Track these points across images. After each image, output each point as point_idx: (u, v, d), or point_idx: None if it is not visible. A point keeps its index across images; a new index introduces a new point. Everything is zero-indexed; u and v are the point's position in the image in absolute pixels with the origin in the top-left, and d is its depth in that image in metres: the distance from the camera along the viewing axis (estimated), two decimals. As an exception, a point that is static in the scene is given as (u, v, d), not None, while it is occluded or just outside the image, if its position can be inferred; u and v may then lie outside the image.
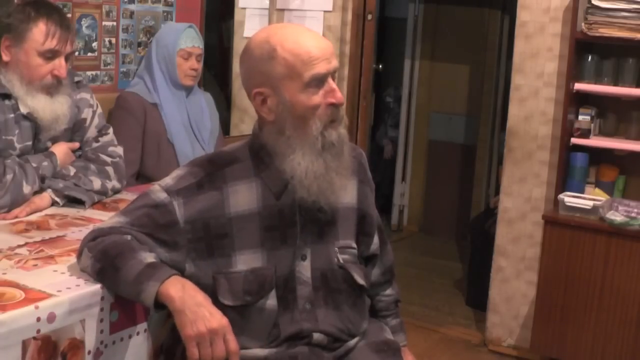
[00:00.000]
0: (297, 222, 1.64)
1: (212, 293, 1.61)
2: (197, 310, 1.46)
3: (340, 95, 1.61)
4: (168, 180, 1.67)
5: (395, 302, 1.97)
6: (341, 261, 1.69)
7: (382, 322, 1.90)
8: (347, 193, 1.72)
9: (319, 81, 1.58)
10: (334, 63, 1.62)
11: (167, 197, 1.62)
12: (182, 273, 1.60)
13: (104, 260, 1.58)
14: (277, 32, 1.62)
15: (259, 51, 1.60)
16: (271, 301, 1.61)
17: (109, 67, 3.17)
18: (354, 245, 1.74)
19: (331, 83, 1.61)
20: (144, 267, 1.52)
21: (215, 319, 1.47)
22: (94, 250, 1.61)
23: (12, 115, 2.21)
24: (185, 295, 1.48)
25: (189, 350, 1.45)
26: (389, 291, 1.95)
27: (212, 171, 1.65)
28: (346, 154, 1.64)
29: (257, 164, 1.65)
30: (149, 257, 1.56)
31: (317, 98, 1.59)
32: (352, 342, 1.72)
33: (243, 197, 1.62)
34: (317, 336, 1.65)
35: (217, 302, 1.62)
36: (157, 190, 1.65)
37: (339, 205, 1.69)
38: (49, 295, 1.54)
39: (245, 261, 1.61)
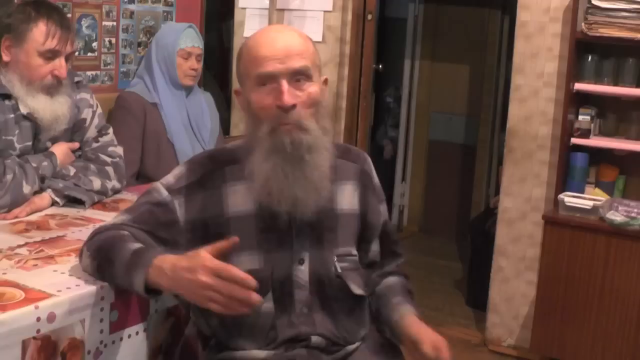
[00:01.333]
0: (292, 225, 1.63)
1: None
2: (184, 281, 1.42)
3: (286, 98, 1.53)
4: (169, 178, 1.67)
5: (403, 286, 1.83)
6: (339, 270, 1.66)
7: (386, 304, 1.80)
8: (347, 199, 1.70)
9: (266, 81, 1.55)
10: (291, 64, 1.55)
11: (169, 196, 1.63)
12: None
13: (99, 257, 1.59)
14: (256, 33, 1.65)
15: (239, 55, 1.66)
16: (268, 304, 1.60)
17: (109, 67, 3.17)
18: (355, 252, 1.71)
19: (282, 84, 1.54)
20: (130, 256, 1.52)
21: (196, 273, 1.40)
22: (90, 248, 1.62)
23: (12, 116, 2.21)
24: (168, 277, 1.45)
25: (213, 309, 1.42)
26: (394, 278, 1.84)
27: (213, 168, 1.65)
28: (312, 163, 1.57)
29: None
30: (136, 244, 1.55)
31: (268, 99, 1.55)
32: (352, 346, 1.71)
33: (241, 197, 1.62)
34: (315, 339, 1.64)
35: None
36: (159, 189, 1.65)
37: (338, 211, 1.68)
38: (49, 295, 1.54)
39: (242, 263, 1.60)
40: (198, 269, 1.40)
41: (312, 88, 1.59)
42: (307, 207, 1.58)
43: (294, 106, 1.55)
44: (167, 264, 1.47)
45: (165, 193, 1.63)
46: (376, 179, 1.81)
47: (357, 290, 1.69)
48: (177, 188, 1.63)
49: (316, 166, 1.58)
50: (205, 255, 1.42)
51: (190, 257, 1.44)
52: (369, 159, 1.81)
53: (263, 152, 1.56)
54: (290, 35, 1.61)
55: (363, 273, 1.75)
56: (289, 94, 1.54)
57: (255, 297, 1.39)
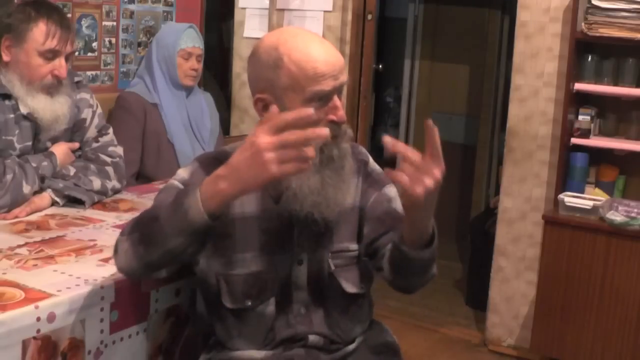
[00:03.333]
0: (294, 227, 1.63)
1: (216, 293, 1.61)
2: (245, 167, 1.33)
3: (342, 113, 1.55)
4: (182, 174, 1.64)
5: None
6: (332, 267, 1.66)
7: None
8: (347, 194, 1.68)
9: (322, 98, 1.53)
10: (342, 79, 1.56)
11: (186, 188, 1.59)
12: (196, 266, 1.60)
13: (139, 226, 1.50)
14: (288, 39, 1.55)
15: (266, 57, 1.55)
16: (271, 307, 1.61)
17: (109, 67, 3.17)
18: (353, 247, 1.70)
19: (335, 100, 1.55)
20: (175, 197, 1.46)
21: (253, 144, 1.31)
22: (125, 232, 1.54)
23: (12, 116, 2.22)
24: (227, 177, 1.36)
25: (295, 172, 1.34)
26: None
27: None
28: (347, 169, 1.60)
29: None
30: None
31: (319, 114, 1.50)
32: (351, 346, 1.70)
33: (245, 198, 1.60)
34: (312, 338, 1.64)
35: (217, 304, 1.62)
36: (175, 184, 1.62)
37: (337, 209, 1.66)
38: (49, 295, 1.54)
39: (245, 264, 1.60)
40: (253, 140, 1.32)
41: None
42: (338, 208, 1.60)
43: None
44: (218, 170, 1.38)
45: (182, 186, 1.60)
46: (373, 166, 1.77)
47: (351, 288, 1.68)
48: (192, 182, 1.59)
49: (349, 169, 1.62)
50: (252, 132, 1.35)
51: (239, 150, 1.36)
52: (361, 147, 1.80)
53: (312, 166, 1.49)
54: (332, 46, 1.60)
55: (362, 267, 1.72)
56: (342, 109, 1.56)
57: (321, 132, 1.32)
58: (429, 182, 1.36)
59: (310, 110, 1.31)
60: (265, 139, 1.31)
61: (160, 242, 1.44)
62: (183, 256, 1.47)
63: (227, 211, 1.58)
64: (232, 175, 1.35)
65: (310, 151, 1.31)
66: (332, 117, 1.54)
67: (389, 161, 1.68)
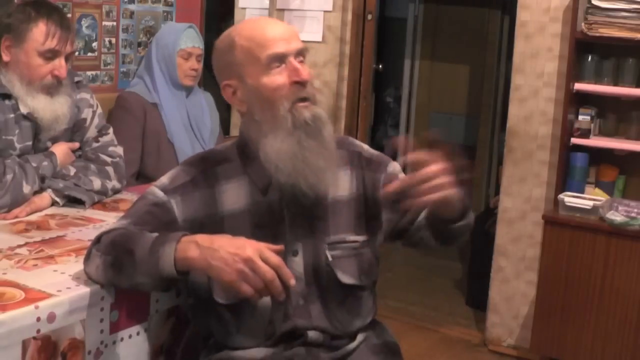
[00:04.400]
0: (285, 217, 1.63)
1: (207, 291, 1.61)
2: (222, 255, 1.42)
3: (305, 72, 1.60)
4: (163, 180, 1.67)
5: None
6: (330, 258, 1.66)
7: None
8: (338, 186, 1.69)
9: (278, 61, 1.59)
10: (296, 44, 1.61)
11: (165, 196, 1.63)
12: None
13: (115, 250, 1.55)
14: (238, 25, 1.67)
15: (222, 45, 1.66)
16: (266, 298, 1.61)
17: (109, 67, 3.17)
18: (351, 238, 1.69)
19: (293, 62, 1.60)
20: (154, 239, 1.50)
21: (243, 249, 1.41)
22: (101, 247, 1.58)
23: (12, 115, 2.21)
24: (202, 251, 1.44)
25: (242, 292, 1.41)
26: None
27: (205, 169, 1.66)
28: (327, 136, 1.62)
29: (244, 161, 1.66)
30: (155, 234, 1.54)
31: (281, 78, 1.59)
32: (352, 345, 1.71)
33: (233, 195, 1.62)
34: (312, 334, 1.63)
35: (212, 301, 1.62)
36: (154, 191, 1.65)
37: (329, 200, 1.67)
38: (49, 295, 1.54)
39: None
40: (247, 246, 1.42)
41: (308, 68, 1.64)
42: (328, 179, 1.62)
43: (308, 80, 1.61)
44: (200, 238, 1.47)
45: (161, 194, 1.63)
46: (367, 152, 1.78)
47: (347, 279, 1.67)
48: (173, 188, 1.63)
49: (330, 138, 1.63)
50: (253, 241, 1.45)
51: (232, 237, 1.46)
52: (352, 139, 1.82)
53: (284, 131, 1.58)
54: (281, 22, 1.70)
55: (364, 260, 1.71)
56: (304, 69, 1.60)
57: (283, 294, 1.42)
58: (439, 189, 1.47)
59: (293, 280, 1.43)
60: (250, 252, 1.40)
61: (130, 275, 1.53)
62: (151, 291, 1.57)
63: (215, 211, 1.62)
64: (207, 252, 1.43)
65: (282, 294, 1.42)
66: (294, 77, 1.59)
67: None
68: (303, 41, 1.66)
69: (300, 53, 1.62)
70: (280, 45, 1.59)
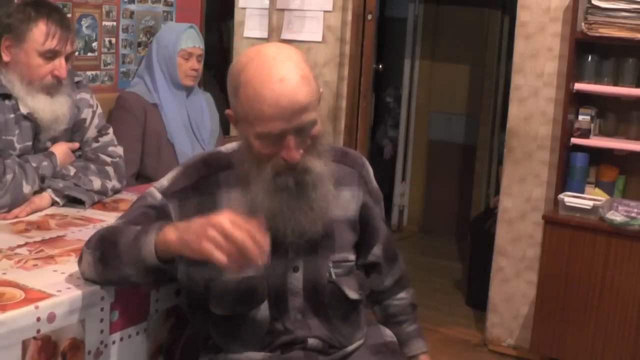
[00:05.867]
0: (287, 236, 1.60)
1: (204, 300, 1.61)
2: (194, 227, 1.39)
3: (294, 155, 1.48)
4: (163, 182, 1.65)
5: (410, 305, 1.91)
6: (333, 276, 1.65)
7: (396, 329, 1.86)
8: (344, 205, 1.68)
9: (271, 138, 1.48)
10: (297, 121, 1.47)
11: (163, 199, 1.61)
12: (176, 277, 1.61)
13: (102, 245, 1.55)
14: (251, 68, 1.48)
15: (232, 79, 1.53)
16: (263, 312, 1.60)
17: (109, 67, 3.17)
18: (351, 257, 1.70)
19: (289, 140, 1.47)
20: (139, 230, 1.51)
21: (215, 217, 1.37)
22: (90, 244, 1.59)
23: (12, 116, 2.21)
24: (179, 232, 1.43)
25: (215, 260, 1.36)
26: (402, 294, 1.90)
27: (207, 175, 1.62)
28: (319, 196, 1.55)
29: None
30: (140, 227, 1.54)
31: (272, 148, 1.49)
32: (351, 347, 1.70)
33: (235, 204, 1.58)
34: (312, 341, 1.63)
35: (209, 312, 1.62)
36: (153, 193, 1.63)
37: (335, 219, 1.65)
38: (49, 295, 1.54)
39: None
40: (219, 215, 1.38)
41: (316, 129, 1.52)
42: (315, 233, 1.58)
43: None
44: (180, 223, 1.46)
45: (159, 197, 1.62)
46: (373, 183, 1.79)
47: (353, 295, 1.68)
48: (172, 192, 1.61)
49: (322, 198, 1.56)
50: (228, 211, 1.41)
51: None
52: (367, 163, 1.79)
53: (267, 191, 1.51)
54: (294, 82, 1.47)
55: (358, 275, 1.74)
56: (296, 151, 1.49)
57: (261, 259, 1.37)
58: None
59: (267, 244, 1.37)
60: (222, 219, 1.36)
61: (116, 267, 1.52)
62: (142, 284, 1.55)
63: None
64: (182, 231, 1.42)
65: (260, 258, 1.36)
66: (283, 155, 1.49)
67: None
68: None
69: (303, 129, 1.49)
70: (276, 125, 1.46)
